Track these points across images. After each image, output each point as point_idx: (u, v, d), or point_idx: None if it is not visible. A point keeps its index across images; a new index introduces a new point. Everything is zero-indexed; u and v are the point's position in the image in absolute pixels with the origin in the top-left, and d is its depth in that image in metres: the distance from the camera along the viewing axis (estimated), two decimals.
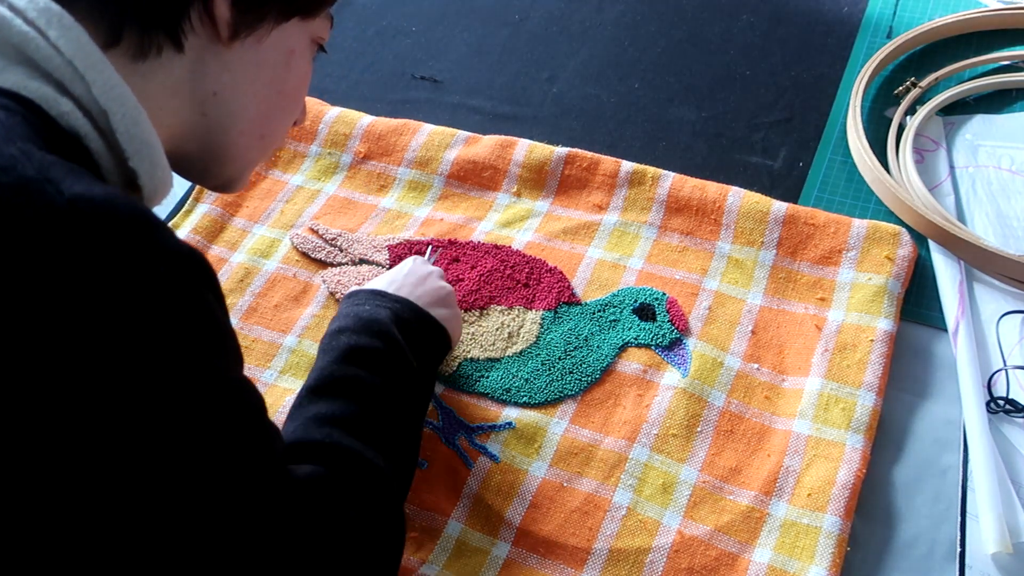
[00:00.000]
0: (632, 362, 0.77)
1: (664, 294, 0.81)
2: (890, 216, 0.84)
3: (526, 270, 0.84)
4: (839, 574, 0.64)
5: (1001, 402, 0.70)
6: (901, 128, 0.89)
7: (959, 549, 0.64)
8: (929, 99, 0.91)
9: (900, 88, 0.93)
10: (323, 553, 0.49)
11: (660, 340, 0.78)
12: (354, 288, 0.75)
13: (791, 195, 0.88)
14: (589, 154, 0.91)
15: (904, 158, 0.86)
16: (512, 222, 0.89)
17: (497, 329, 0.80)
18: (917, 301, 0.78)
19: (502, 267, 0.84)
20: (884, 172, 0.85)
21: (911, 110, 0.91)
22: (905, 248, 0.79)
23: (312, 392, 0.61)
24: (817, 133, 0.93)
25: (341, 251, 0.89)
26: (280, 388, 0.80)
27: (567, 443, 0.73)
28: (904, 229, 0.80)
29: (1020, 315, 0.75)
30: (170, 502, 0.42)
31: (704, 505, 0.69)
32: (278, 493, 0.47)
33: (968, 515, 0.65)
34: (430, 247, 0.86)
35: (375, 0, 1.19)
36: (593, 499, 0.70)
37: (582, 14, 1.12)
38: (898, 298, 0.77)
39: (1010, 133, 0.88)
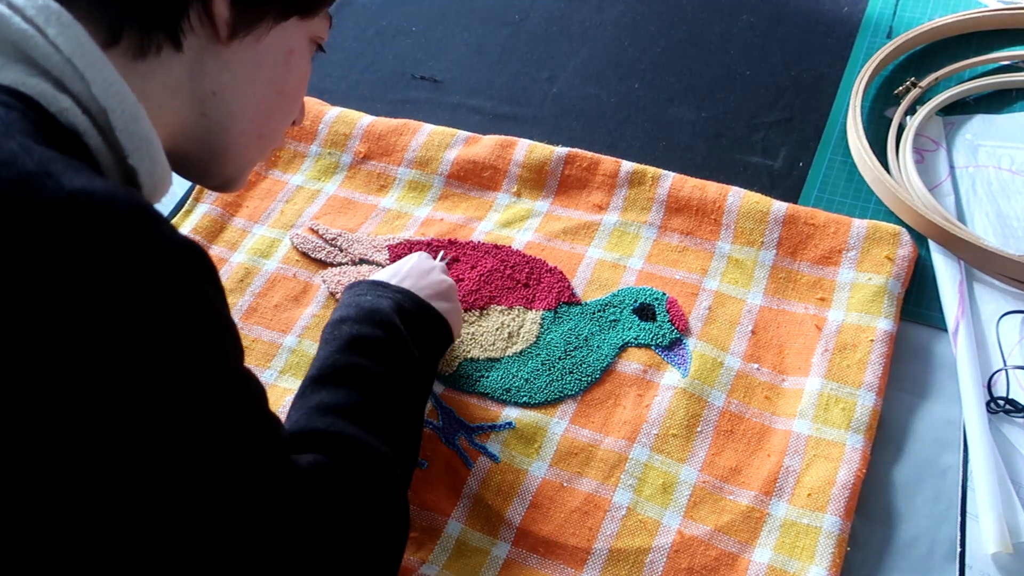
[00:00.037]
0: (632, 362, 0.77)
1: (664, 294, 0.81)
2: (890, 216, 0.84)
3: (526, 270, 0.84)
4: (839, 574, 0.64)
5: (1001, 402, 0.70)
6: (901, 128, 0.89)
7: (959, 549, 0.64)
8: (929, 99, 0.91)
9: (900, 88, 0.93)
10: (328, 542, 0.50)
11: (660, 340, 0.78)
12: (356, 278, 0.75)
13: (791, 195, 0.88)
14: (589, 154, 0.91)
15: (904, 158, 0.86)
16: (512, 222, 0.89)
17: (497, 329, 0.80)
18: (917, 301, 0.78)
19: (502, 267, 0.84)
20: (884, 172, 0.85)
21: (911, 110, 0.91)
22: (905, 248, 0.79)
23: (315, 381, 0.62)
24: (817, 133, 0.93)
25: (341, 251, 0.89)
26: (280, 388, 0.80)
27: (567, 443, 0.73)
28: (904, 229, 0.80)
29: (1020, 315, 0.75)
30: (173, 494, 0.42)
31: (704, 505, 0.69)
32: (281, 483, 0.47)
33: (968, 515, 0.65)
34: (440, 253, 0.86)
35: (375, 0, 1.19)
36: (593, 499, 0.70)
37: (582, 14, 1.12)
38: (898, 298, 0.77)
39: (1010, 133, 0.88)
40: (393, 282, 0.72)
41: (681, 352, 0.77)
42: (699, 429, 0.72)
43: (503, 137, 0.95)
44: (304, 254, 0.90)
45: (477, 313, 0.82)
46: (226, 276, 0.89)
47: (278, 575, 0.47)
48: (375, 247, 0.89)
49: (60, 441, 0.39)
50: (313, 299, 0.86)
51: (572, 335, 0.79)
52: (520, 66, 1.07)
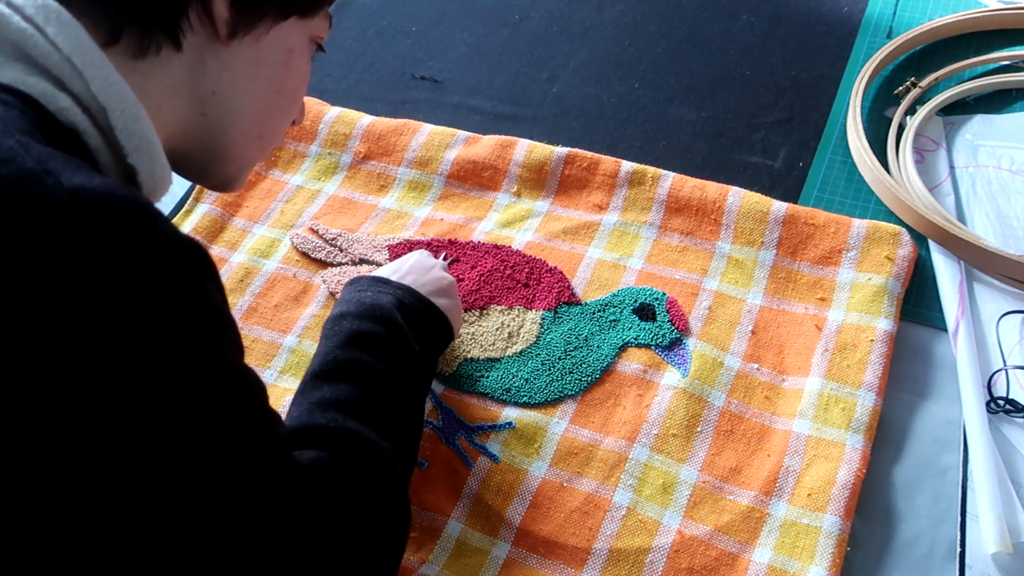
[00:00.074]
0: (632, 362, 0.77)
1: (664, 294, 0.81)
2: (890, 216, 0.84)
3: (526, 270, 0.84)
4: (839, 574, 0.64)
5: (1001, 402, 0.70)
6: (901, 128, 0.89)
7: (959, 549, 0.64)
8: (929, 99, 0.91)
9: (900, 88, 0.93)
10: (330, 538, 0.50)
11: (660, 340, 0.78)
12: (356, 274, 0.75)
13: (791, 195, 0.88)
14: (589, 154, 0.91)
15: (904, 158, 0.86)
16: (512, 222, 0.89)
17: (497, 329, 0.80)
18: (917, 301, 0.78)
19: (502, 267, 0.84)
20: (884, 172, 0.85)
21: (911, 110, 0.91)
22: (905, 248, 0.79)
23: (316, 377, 0.62)
24: (817, 133, 0.93)
25: (341, 251, 0.89)
26: (280, 388, 0.80)
27: (567, 443, 0.73)
28: (904, 229, 0.80)
29: (1020, 315, 0.75)
30: (173, 490, 0.42)
31: (704, 505, 0.69)
32: (282, 480, 0.47)
33: (968, 515, 0.65)
34: (443, 254, 0.86)
35: (375, 0, 1.19)
36: (593, 499, 0.70)
37: (582, 14, 1.12)
38: (898, 298, 0.77)
39: (1010, 133, 0.88)
40: (394, 278, 0.72)
41: (681, 352, 0.77)
42: (699, 429, 0.72)
43: (503, 137, 0.95)
44: (304, 254, 0.90)
45: (477, 313, 0.82)
46: (226, 276, 0.89)
47: (280, 571, 0.47)
48: (375, 247, 0.89)
49: (60, 437, 0.39)
50: (313, 299, 0.86)
51: (572, 335, 0.79)
52: (520, 66, 1.07)
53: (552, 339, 0.79)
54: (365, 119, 0.99)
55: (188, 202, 0.96)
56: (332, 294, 0.86)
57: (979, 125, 0.89)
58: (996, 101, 0.91)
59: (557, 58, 1.07)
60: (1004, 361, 0.73)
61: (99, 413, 0.39)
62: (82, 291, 0.38)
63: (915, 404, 0.72)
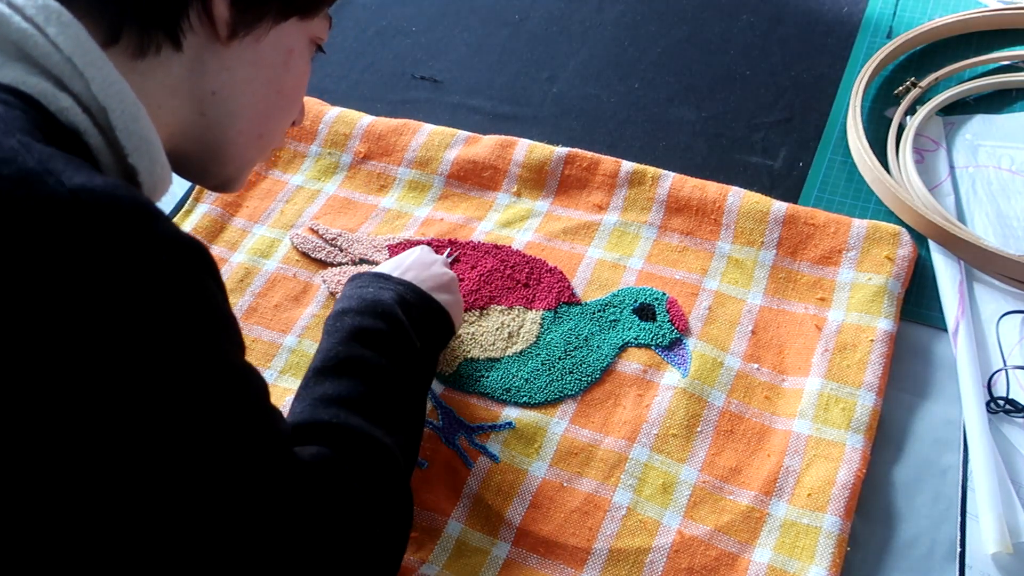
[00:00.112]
0: (632, 362, 0.77)
1: (664, 294, 0.81)
2: (890, 216, 0.84)
3: (526, 270, 0.84)
4: (839, 574, 0.64)
5: (1001, 402, 0.70)
6: (901, 128, 0.89)
7: (959, 549, 0.64)
8: (929, 99, 0.91)
9: (900, 88, 0.93)
10: (332, 534, 0.50)
11: (660, 340, 0.78)
12: (356, 271, 0.76)
13: (791, 195, 0.88)
14: (589, 154, 0.91)
15: (904, 158, 0.86)
16: (512, 222, 0.89)
17: (497, 329, 0.80)
18: (917, 301, 0.78)
19: (502, 267, 0.84)
20: (884, 172, 0.85)
21: (911, 110, 0.91)
22: (905, 248, 0.79)
23: (318, 373, 0.62)
24: (817, 133, 0.93)
25: (341, 251, 0.89)
26: (280, 388, 0.80)
27: (567, 443, 0.73)
28: (904, 229, 0.80)
29: (1020, 315, 0.75)
30: (175, 488, 0.42)
31: (704, 505, 0.69)
32: (284, 476, 0.48)
33: (968, 515, 0.65)
34: (448, 250, 0.86)
35: (375, 0, 1.19)
36: (593, 499, 0.70)
37: (582, 14, 1.12)
38: (898, 298, 0.77)
39: (1010, 133, 0.88)
40: (395, 274, 0.72)
41: (681, 352, 0.77)
42: (699, 429, 0.72)
43: (503, 137, 0.95)
44: (304, 254, 0.90)
45: (477, 313, 0.82)
46: (226, 276, 0.89)
47: (283, 568, 0.47)
48: (375, 247, 0.89)
49: (62, 435, 0.39)
50: (313, 299, 0.86)
51: (572, 335, 0.79)
52: (520, 66, 1.07)
53: (552, 339, 0.79)
54: (365, 119, 0.99)
55: (188, 202, 0.96)
56: (332, 294, 0.86)
57: (979, 125, 0.89)
58: (996, 101, 0.91)
59: (557, 58, 1.07)
60: (1004, 361, 0.73)
61: (101, 411, 0.39)
62: (84, 290, 0.38)
63: (915, 404, 0.72)
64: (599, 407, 0.75)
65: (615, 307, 0.80)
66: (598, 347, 0.78)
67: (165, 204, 0.95)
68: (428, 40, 1.13)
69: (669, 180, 0.87)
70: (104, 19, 0.48)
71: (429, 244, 0.87)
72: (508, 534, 0.69)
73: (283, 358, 0.82)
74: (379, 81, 1.09)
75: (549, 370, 0.77)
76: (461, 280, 0.84)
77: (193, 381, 0.43)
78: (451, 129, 0.97)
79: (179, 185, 0.96)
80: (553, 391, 0.76)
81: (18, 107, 0.43)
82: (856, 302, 0.77)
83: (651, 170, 0.89)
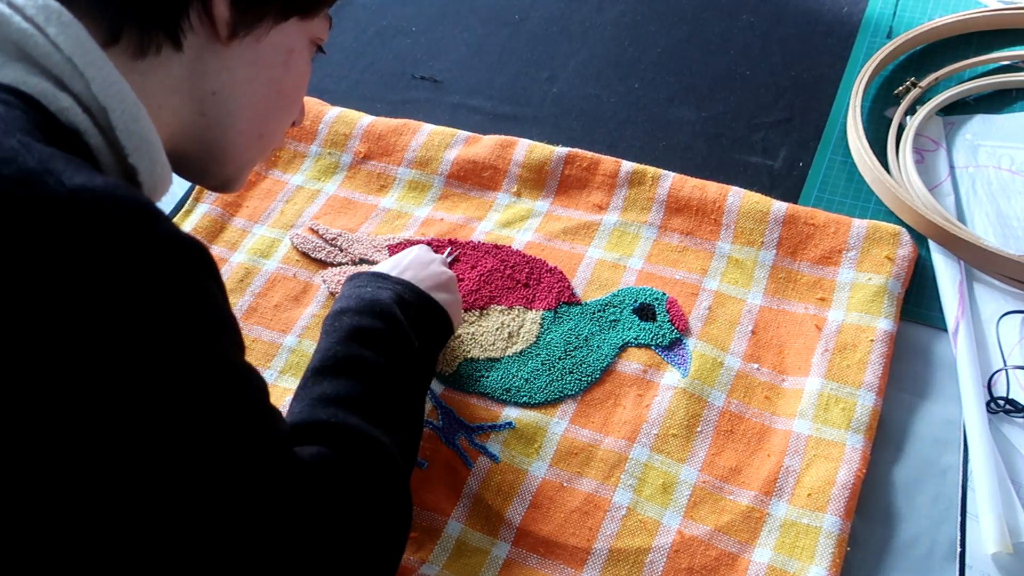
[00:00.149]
0: (632, 362, 0.77)
1: (664, 294, 0.81)
2: (890, 216, 0.84)
3: (526, 270, 0.84)
4: (839, 574, 0.64)
5: (1001, 402, 0.70)
6: (901, 128, 0.89)
7: (959, 549, 0.64)
8: (929, 99, 0.91)
9: (900, 88, 0.93)
10: (331, 533, 0.50)
11: (660, 340, 0.78)
12: (355, 271, 0.75)
13: (791, 195, 0.88)
14: (589, 154, 0.91)
15: (904, 158, 0.86)
16: (512, 222, 0.89)
17: (497, 329, 0.80)
18: (917, 301, 0.78)
19: (502, 267, 0.84)
20: (884, 172, 0.85)
21: (911, 110, 0.91)
22: (905, 248, 0.79)
23: (316, 372, 0.62)
24: (817, 133, 0.93)
25: (341, 251, 0.89)
26: (280, 388, 0.80)
27: (567, 443, 0.73)
28: (904, 229, 0.80)
29: (1020, 315, 0.75)
30: (174, 487, 0.42)
31: (704, 505, 0.69)
32: (283, 476, 0.48)
33: (968, 515, 0.65)
34: (448, 249, 0.86)
35: (375, 0, 1.19)
36: (593, 499, 0.70)
37: (582, 14, 1.12)
38: (898, 298, 0.77)
39: (1010, 133, 0.88)
40: (394, 273, 0.72)
41: (681, 352, 0.77)
42: (699, 429, 0.72)
43: (503, 137, 0.95)
44: (304, 254, 0.90)
45: (477, 313, 0.82)
46: (226, 276, 0.89)
47: (282, 568, 0.47)
48: (375, 247, 0.89)
49: (62, 435, 0.39)
50: (313, 299, 0.86)
51: (572, 335, 0.79)
52: (520, 66, 1.07)
53: (552, 339, 0.79)
54: (365, 119, 0.99)
55: (188, 202, 0.96)
56: (332, 294, 0.86)
57: (979, 125, 0.89)
58: (996, 101, 0.91)
59: (557, 58, 1.07)
60: (1004, 361, 0.73)
61: (101, 411, 0.40)
62: (84, 290, 0.38)
63: (915, 404, 0.73)
64: (599, 407, 0.75)
65: (615, 307, 0.80)
66: (598, 347, 0.78)
67: (165, 204, 0.95)
68: (428, 40, 1.13)
69: (669, 180, 0.87)
70: (104, 19, 0.49)
71: (429, 244, 0.87)
72: (508, 534, 0.69)
73: (283, 358, 0.82)
74: (379, 81, 1.09)
75: (549, 370, 0.77)
76: (461, 280, 0.84)
77: (193, 381, 0.43)
78: (451, 129, 0.97)
79: (179, 185, 0.96)
80: (553, 391, 0.76)
81: (18, 107, 0.43)
82: (856, 302, 0.77)
83: (651, 170, 0.89)
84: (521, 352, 0.79)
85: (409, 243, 0.88)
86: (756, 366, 0.76)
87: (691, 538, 0.67)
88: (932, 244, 0.80)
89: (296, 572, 0.48)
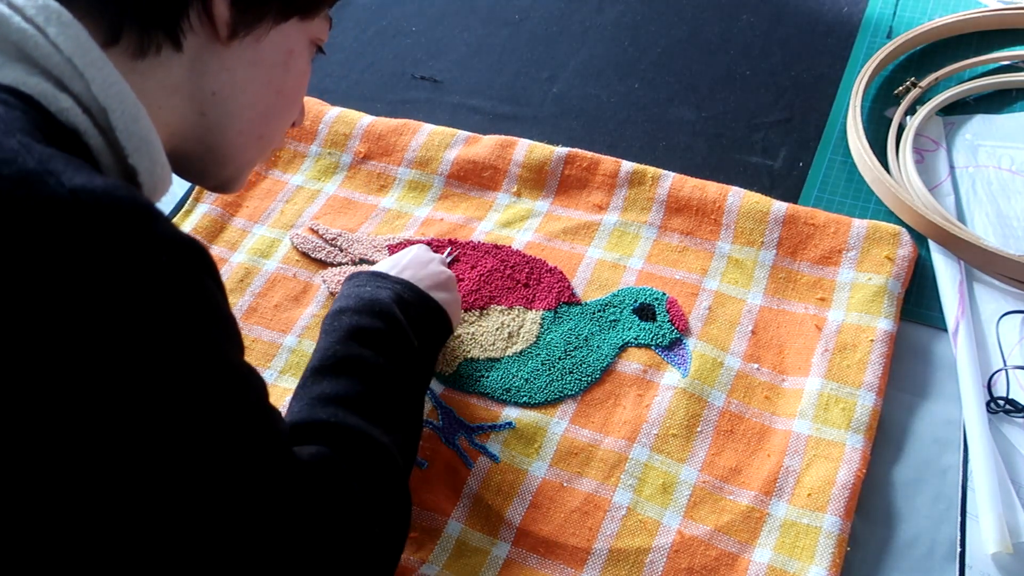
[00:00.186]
0: (632, 362, 0.77)
1: (664, 294, 0.81)
2: (890, 216, 0.84)
3: (526, 270, 0.84)
4: (839, 574, 0.64)
5: (1001, 402, 0.70)
6: (901, 128, 0.89)
7: (959, 549, 0.64)
8: (929, 99, 0.91)
9: (900, 88, 0.93)
10: (330, 533, 0.50)
11: (660, 340, 0.78)
12: (355, 270, 0.76)
13: (791, 195, 0.88)
14: (589, 154, 0.91)
15: (904, 158, 0.86)
16: (512, 222, 0.89)
17: (497, 329, 0.80)
18: (917, 301, 0.78)
19: (502, 267, 0.84)
20: (884, 172, 0.85)
21: (911, 110, 0.91)
22: (905, 248, 0.79)
23: (316, 372, 0.62)
24: (817, 133, 0.93)
25: (341, 251, 0.89)
26: (280, 388, 0.80)
27: (567, 443, 0.73)
28: (904, 229, 0.80)
29: (1020, 315, 0.75)
30: (174, 487, 0.42)
31: (704, 505, 0.69)
32: (283, 476, 0.48)
33: (968, 515, 0.65)
34: (448, 249, 0.86)
35: (375, 0, 1.19)
36: (593, 499, 0.70)
37: (582, 14, 1.12)
38: (898, 298, 0.77)
39: (1010, 133, 0.88)
40: (393, 273, 0.72)
41: (681, 352, 0.77)
42: (699, 429, 0.72)
43: (503, 137, 0.95)
44: (304, 254, 0.90)
45: (477, 313, 0.82)
46: (226, 276, 0.89)
47: (281, 568, 0.47)
48: (375, 247, 0.89)
49: (62, 435, 0.39)
50: (313, 299, 0.86)
51: (572, 335, 0.79)
52: (520, 66, 1.07)
53: (552, 339, 0.79)
54: (365, 119, 0.99)
55: (188, 202, 0.96)
56: (332, 294, 0.86)
57: (979, 125, 0.89)
58: (996, 101, 0.91)
59: (557, 58, 1.07)
60: (1004, 361, 0.73)
61: (101, 411, 0.40)
62: (83, 291, 0.38)
63: (915, 404, 0.73)
64: (599, 407, 0.75)
65: (615, 307, 0.80)
66: (598, 347, 0.78)
67: (165, 204, 0.95)
68: (428, 40, 1.13)
69: (669, 180, 0.87)
70: (104, 19, 0.48)
71: (429, 244, 0.87)
72: (508, 534, 0.69)
73: (283, 358, 0.82)
74: (379, 81, 1.09)
75: (549, 370, 0.77)
76: (461, 280, 0.84)
77: (193, 381, 0.43)
78: (451, 129, 0.97)
79: (179, 185, 0.96)
80: (553, 391, 0.76)
81: (18, 108, 0.43)
82: (856, 302, 0.77)
83: (651, 170, 0.89)
84: (521, 352, 0.79)
85: (409, 243, 0.88)
86: (756, 366, 0.76)
87: (691, 538, 0.67)
88: (932, 244, 0.80)
89: (295, 572, 0.48)
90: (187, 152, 0.56)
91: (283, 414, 0.58)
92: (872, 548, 0.66)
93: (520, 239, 0.87)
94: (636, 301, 0.80)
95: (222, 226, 0.93)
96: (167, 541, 0.43)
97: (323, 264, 0.89)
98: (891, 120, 0.90)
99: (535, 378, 0.77)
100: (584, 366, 0.77)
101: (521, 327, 0.80)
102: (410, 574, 0.67)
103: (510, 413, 0.75)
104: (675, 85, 1.01)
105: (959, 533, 0.65)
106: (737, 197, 0.84)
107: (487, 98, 1.04)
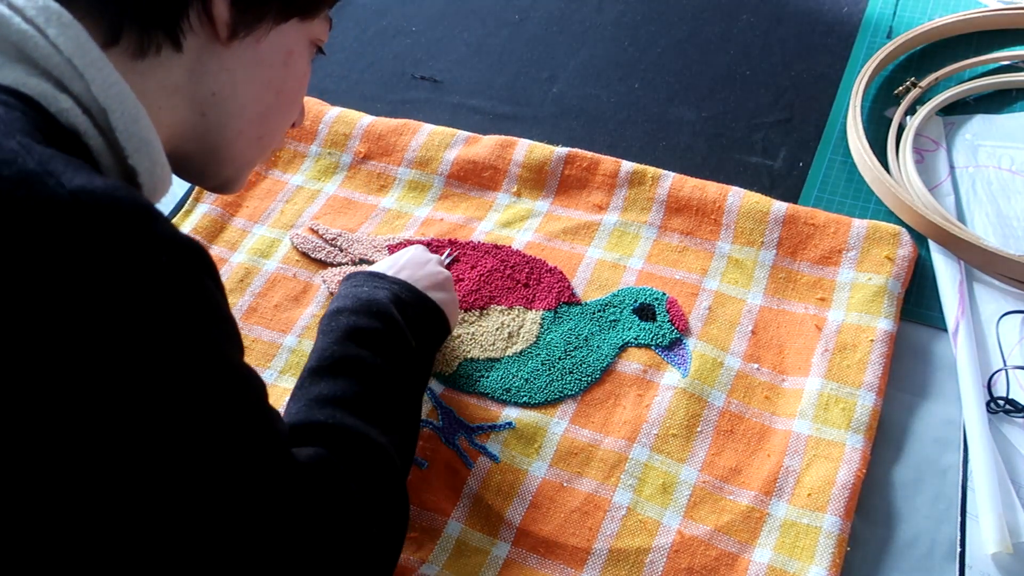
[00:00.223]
0: (632, 362, 0.77)
1: (664, 294, 0.81)
2: (890, 216, 0.84)
3: (526, 270, 0.84)
4: (839, 574, 0.64)
5: (1001, 402, 0.70)
6: (901, 128, 0.89)
7: (959, 549, 0.64)
8: (929, 99, 0.91)
9: (900, 88, 0.93)
10: (329, 534, 0.50)
11: (660, 340, 0.78)
12: (352, 271, 0.75)
13: (791, 195, 0.88)
14: (589, 154, 0.91)
15: (904, 158, 0.86)
16: (512, 222, 0.89)
17: (497, 329, 0.80)
18: (917, 301, 0.78)
19: (502, 267, 0.84)
20: (884, 172, 0.85)
21: (911, 110, 0.91)
22: (905, 248, 0.79)
23: (313, 373, 0.62)
24: (817, 133, 0.93)
25: (341, 251, 0.89)
26: (280, 388, 0.80)
27: (567, 443, 0.73)
28: (904, 229, 0.80)
29: (1020, 315, 0.75)
30: (173, 487, 0.42)
31: (704, 505, 0.69)
32: (281, 477, 0.48)
33: (968, 515, 0.65)
34: (447, 250, 0.86)
35: (375, 0, 1.19)
36: (593, 499, 0.70)
37: (582, 14, 1.12)
38: (898, 298, 0.77)
39: (1010, 133, 0.88)
40: (390, 273, 0.72)
41: (681, 352, 0.77)
42: (699, 429, 0.72)
43: (503, 137, 0.95)
44: (304, 254, 0.90)
45: (477, 313, 0.82)
46: (226, 276, 0.89)
47: (280, 568, 0.47)
48: (375, 247, 0.89)
49: (61, 436, 0.39)
50: (313, 299, 0.86)
51: (572, 335, 0.79)
52: (520, 66, 1.07)
53: (552, 339, 0.79)
54: (365, 119, 0.99)
55: (188, 202, 0.96)
56: (332, 294, 0.86)
57: (979, 125, 0.89)
58: (996, 101, 0.91)
59: (557, 58, 1.07)
60: (1004, 361, 0.73)
61: (100, 412, 0.40)
62: (83, 291, 0.39)
63: (915, 404, 0.73)
64: (599, 407, 0.75)
65: (615, 307, 0.81)
66: (598, 347, 0.78)
67: (165, 204, 0.95)
68: (428, 40, 1.13)
69: (669, 180, 0.87)
70: (104, 20, 0.48)
71: (429, 244, 0.87)
72: (508, 534, 0.69)
73: (283, 358, 0.82)
74: (379, 81, 1.09)
75: (549, 370, 0.77)
76: (461, 280, 0.84)
77: (192, 381, 0.43)
78: (451, 129, 0.97)
79: (179, 185, 0.96)
80: (553, 391, 0.76)
81: (18, 108, 0.43)
82: (856, 302, 0.77)
83: (651, 170, 0.89)
84: (521, 352, 0.79)
85: (409, 243, 0.88)
86: (756, 366, 0.76)
87: (691, 538, 0.67)
88: (932, 244, 0.80)
89: (294, 572, 0.48)
90: (187, 152, 0.56)
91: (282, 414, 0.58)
92: (872, 548, 0.66)
93: (520, 239, 0.87)
94: (636, 301, 0.80)
95: (222, 226, 0.94)
96: (166, 541, 0.43)
97: (323, 264, 0.89)
98: (891, 120, 0.90)
99: (535, 378, 0.77)
100: (584, 366, 0.77)
101: (521, 327, 0.80)
102: (410, 574, 0.67)
103: (510, 413, 0.75)
104: (675, 85, 1.01)
105: (959, 533, 0.65)
106: (737, 197, 0.84)
107: (487, 98, 1.04)
